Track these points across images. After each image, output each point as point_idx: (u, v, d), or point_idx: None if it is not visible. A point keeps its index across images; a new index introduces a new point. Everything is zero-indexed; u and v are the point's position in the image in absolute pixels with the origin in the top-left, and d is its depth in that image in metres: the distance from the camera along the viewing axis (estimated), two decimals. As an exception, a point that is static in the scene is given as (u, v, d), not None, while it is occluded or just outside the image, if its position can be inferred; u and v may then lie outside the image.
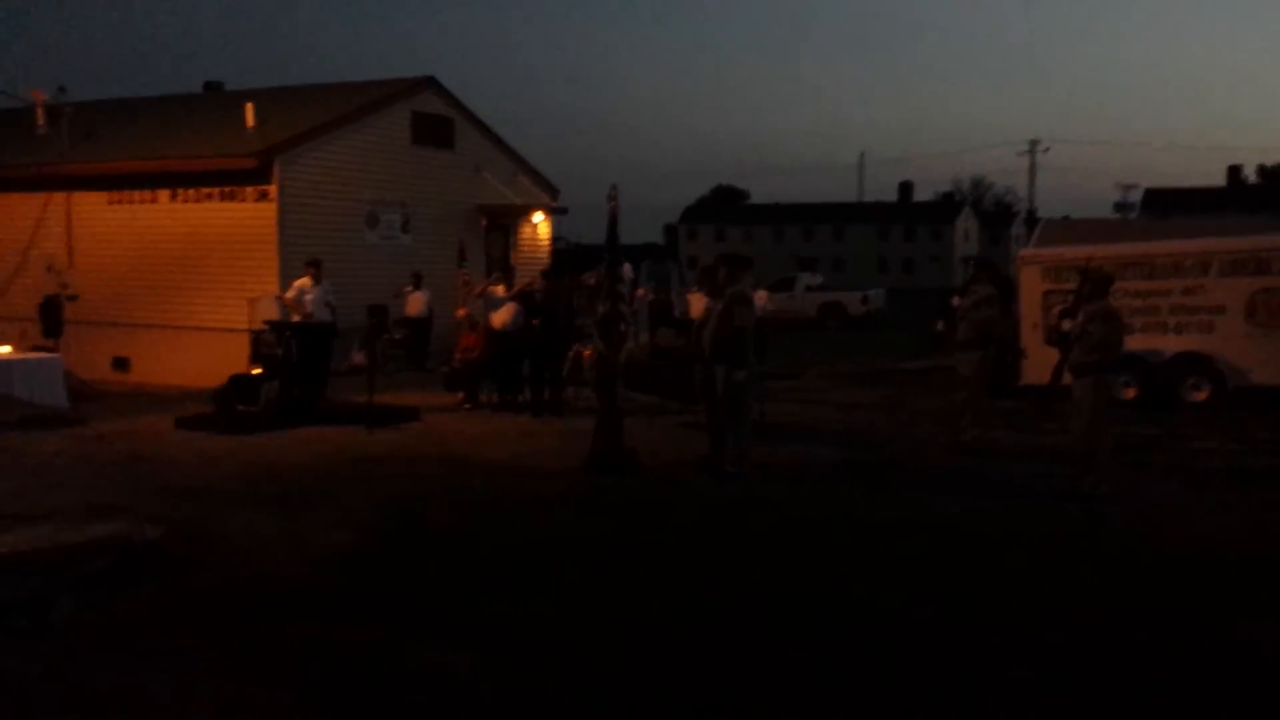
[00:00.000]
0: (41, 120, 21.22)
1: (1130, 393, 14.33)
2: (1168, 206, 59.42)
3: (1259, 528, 8.17)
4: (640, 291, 17.21)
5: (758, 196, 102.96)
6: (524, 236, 23.67)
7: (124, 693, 5.07)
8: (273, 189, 18.09)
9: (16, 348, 14.92)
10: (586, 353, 14.12)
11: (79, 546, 7.26)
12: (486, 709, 4.83)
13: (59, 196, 19.95)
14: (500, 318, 14.46)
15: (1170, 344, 14.74)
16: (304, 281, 13.92)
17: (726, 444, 9.97)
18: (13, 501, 8.53)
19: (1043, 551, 7.48)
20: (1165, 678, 5.19)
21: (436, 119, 21.61)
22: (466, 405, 14.45)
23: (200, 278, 18.50)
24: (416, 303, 19.24)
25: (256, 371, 13.57)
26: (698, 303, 19.32)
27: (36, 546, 7.12)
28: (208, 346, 17.76)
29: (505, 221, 23.14)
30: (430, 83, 21.75)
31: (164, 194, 19.11)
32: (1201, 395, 14.54)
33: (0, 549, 6.92)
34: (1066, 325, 9.56)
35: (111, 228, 19.59)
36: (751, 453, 10.01)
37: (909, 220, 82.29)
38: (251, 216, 18.28)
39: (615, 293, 10.80)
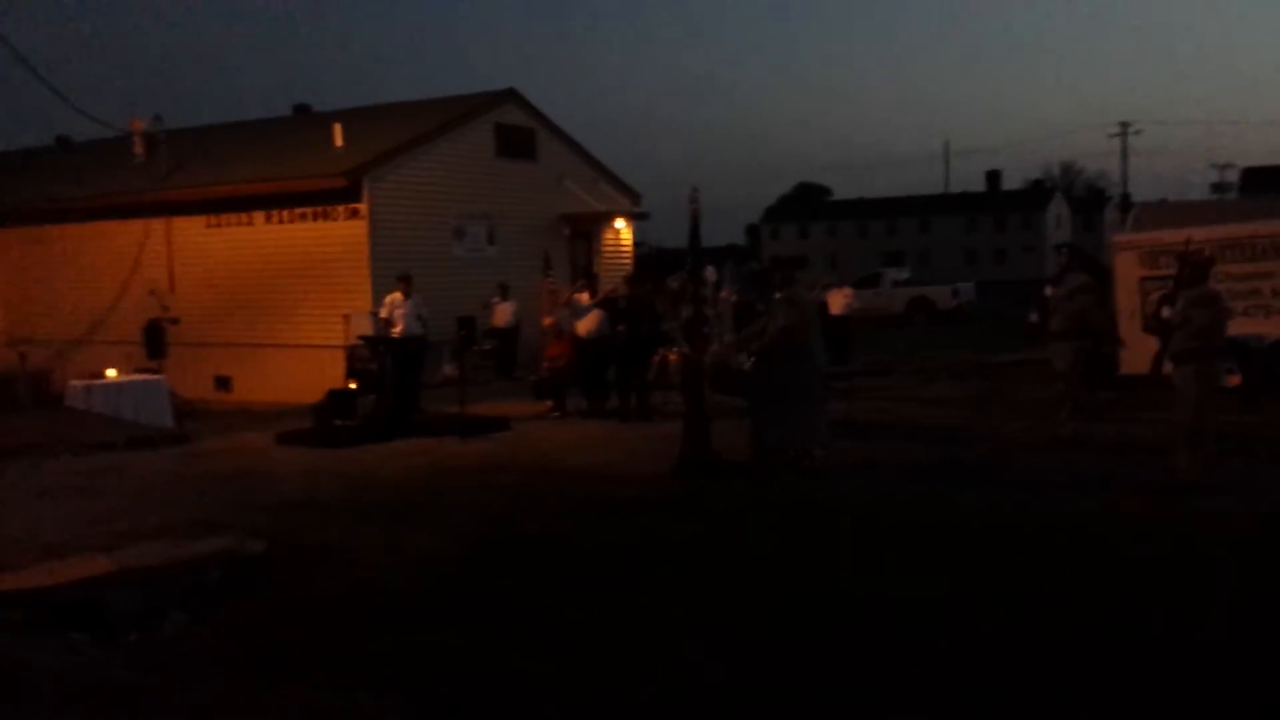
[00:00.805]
0: (140, 148, 22.08)
1: (1234, 380, 13.88)
2: (1265, 185, 57.35)
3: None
4: (724, 293, 17.19)
5: (841, 192, 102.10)
6: (607, 243, 23.81)
7: (234, 699, 5.23)
8: (363, 206, 18.50)
9: (122, 370, 15.48)
10: (672, 357, 14.16)
11: (188, 561, 7.52)
12: (579, 711, 4.88)
13: (158, 222, 20.66)
14: (585, 325, 14.58)
15: (1275, 328, 14.25)
16: (395, 296, 14.20)
17: (771, 442, 10.04)
18: (123, 519, 8.86)
19: (1140, 547, 7.28)
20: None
21: (518, 130, 21.88)
22: (555, 413, 14.59)
23: (296, 296, 18.98)
24: (504, 313, 19.49)
25: (352, 386, 13.89)
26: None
27: (147, 562, 7.39)
28: (305, 363, 18.22)
29: (588, 229, 23.32)
30: (511, 95, 22.04)
31: (259, 216, 19.66)
32: (1308, 380, 14.03)
33: (112, 565, 7.19)
34: (1166, 312, 9.30)
35: (209, 251, 20.21)
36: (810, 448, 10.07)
37: (998, 210, 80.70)
38: (343, 234, 18.71)
39: (698, 296, 10.85)
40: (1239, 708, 4.74)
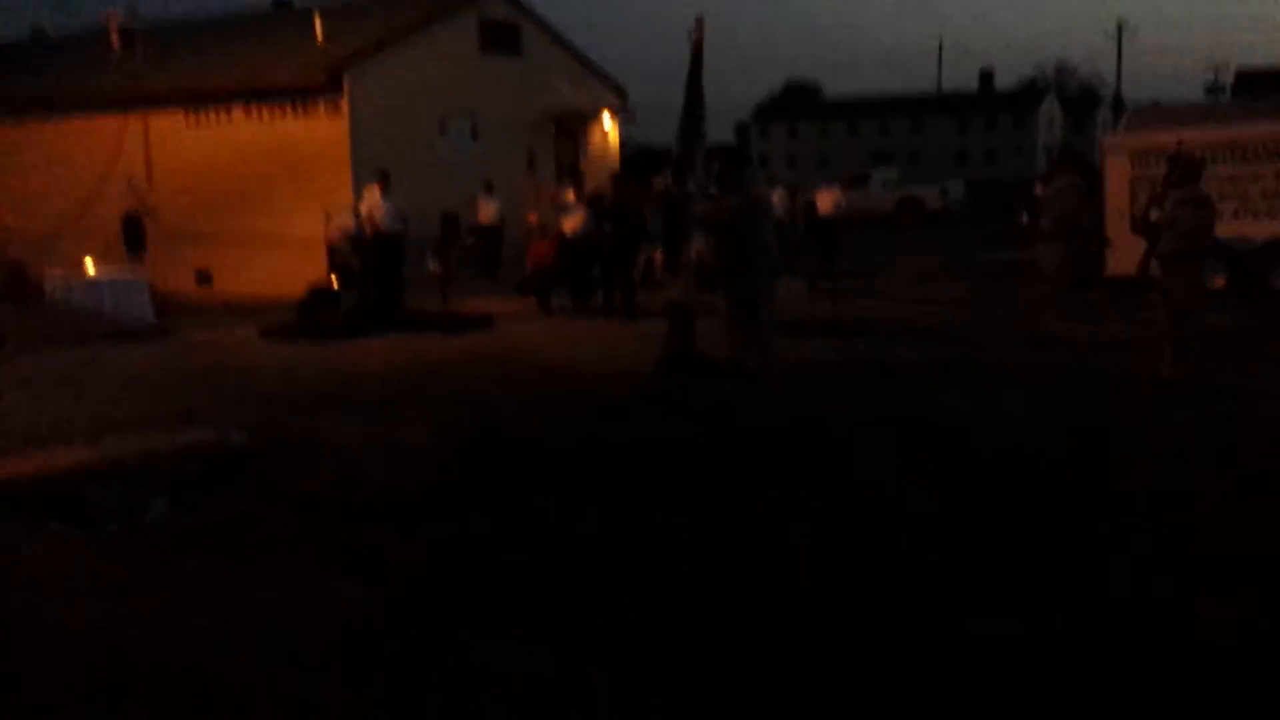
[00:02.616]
0: (116, 42, 21.53)
1: (1219, 281, 13.87)
2: (1260, 88, 56.70)
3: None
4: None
5: (831, 91, 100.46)
6: (593, 141, 23.47)
7: (213, 580, 5.26)
8: (344, 102, 18.17)
9: (100, 264, 15.32)
10: (657, 256, 14.06)
11: (169, 453, 7.49)
12: (567, 608, 4.92)
13: (136, 118, 20.27)
14: (571, 223, 14.44)
15: (1261, 230, 14.22)
16: (374, 194, 13.99)
17: (740, 341, 9.92)
18: (105, 411, 8.81)
19: (1126, 446, 7.34)
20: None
21: (503, 25, 21.36)
22: (540, 311, 14.53)
23: (277, 192, 18.73)
24: (488, 210, 19.27)
25: (334, 282, 13.79)
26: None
27: (128, 453, 7.36)
28: (287, 259, 18.04)
29: (574, 126, 22.95)
30: (495, -13, 21.48)
31: (238, 111, 19.30)
32: (1293, 283, 14.05)
33: (93, 457, 7.17)
34: (1154, 214, 9.24)
35: (188, 147, 19.87)
36: (773, 350, 9.93)
37: (990, 110, 79.69)
38: (324, 130, 18.41)
39: (683, 185, 10.07)
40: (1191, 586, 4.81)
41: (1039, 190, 12.12)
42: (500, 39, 21.26)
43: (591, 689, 4.07)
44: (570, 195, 15.68)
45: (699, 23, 9.94)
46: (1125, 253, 12.98)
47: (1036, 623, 4.53)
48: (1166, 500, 6.07)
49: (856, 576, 5.16)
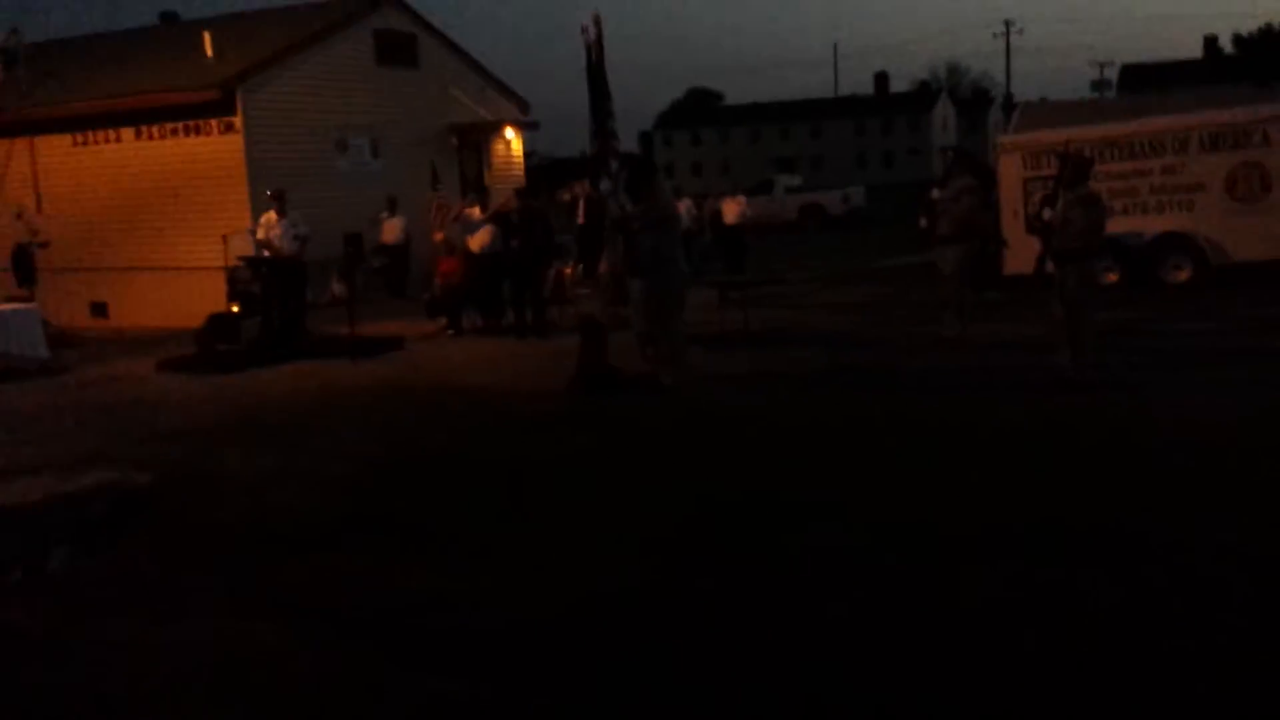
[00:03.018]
0: (-2, 64, 20.77)
1: (1112, 277, 14.31)
2: (1145, 82, 58.83)
3: (1245, 406, 8.21)
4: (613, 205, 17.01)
5: (733, 97, 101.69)
6: (497, 154, 23.34)
7: (127, 637, 5.09)
8: (237, 120, 17.77)
9: (-11, 298, 14.76)
10: (567, 271, 14.04)
11: (70, 496, 7.28)
12: (486, 631, 4.87)
13: (21, 142, 19.58)
14: (478, 240, 14.33)
15: (1151, 225, 14.71)
16: (269, 216, 13.63)
17: (652, 354, 9.96)
18: None
19: (1036, 442, 7.52)
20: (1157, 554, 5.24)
21: (399, 36, 21.12)
22: (450, 331, 14.39)
23: (172, 216, 18.26)
24: (392, 229, 19.01)
25: (235, 309, 13.47)
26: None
27: (28, 499, 7.13)
28: (185, 286, 17.61)
29: (476, 139, 22.79)
30: (390, -1, 21.23)
31: (128, 133, 18.76)
32: (1183, 275, 14.57)
33: (-9, 504, 6.91)
34: (1047, 214, 9.50)
35: (78, 171, 19.27)
36: (685, 362, 9.97)
37: (886, 112, 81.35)
38: (218, 150, 17.98)
39: (597, 188, 10.04)
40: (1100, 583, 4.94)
41: (935, 194, 12.35)
42: (397, 51, 21.01)
43: (528, 715, 4.03)
44: (476, 211, 15.55)
45: (595, 20, 9.88)
46: (1022, 252, 13.35)
47: (946, 597, 4.61)
48: (1059, 486, 6.24)
49: (769, 578, 5.20)
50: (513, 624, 4.91)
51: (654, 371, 9.96)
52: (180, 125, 18.24)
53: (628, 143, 12.34)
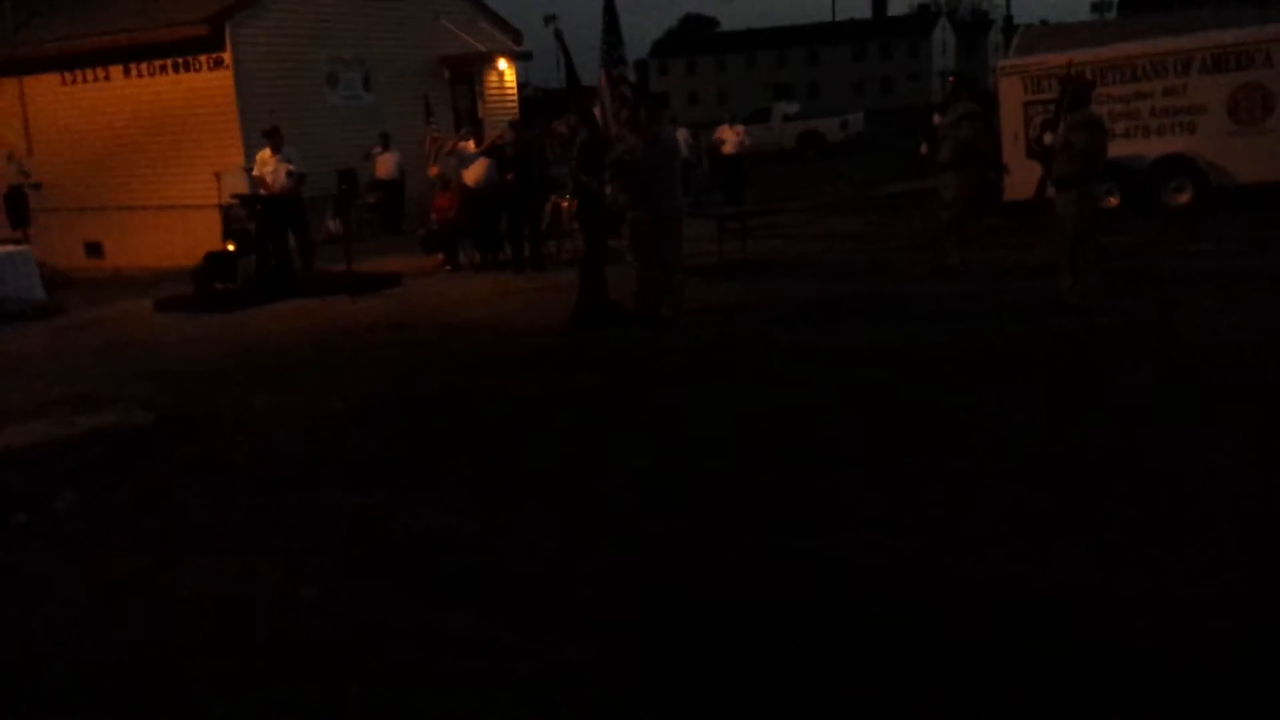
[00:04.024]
0: (-18, 5, 20.38)
1: (1112, 201, 14.21)
2: (1145, 4, 57.88)
3: (1242, 330, 8.19)
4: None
5: (728, 23, 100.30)
6: (490, 86, 23.00)
7: (133, 575, 5.14)
8: (227, 55, 17.46)
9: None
10: (564, 204, 13.93)
11: (73, 438, 7.27)
12: (491, 566, 4.90)
13: (9, 83, 19.29)
14: (473, 174, 14.19)
15: (1152, 148, 14.56)
16: (264, 153, 13.48)
17: (652, 287, 9.89)
18: None
19: (1033, 368, 7.52)
20: (1154, 485, 5.27)
21: (388, -34, 20.69)
22: (447, 267, 14.32)
23: (165, 155, 18.05)
24: (386, 164, 18.82)
25: (231, 248, 13.38)
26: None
27: (30, 442, 7.12)
28: (180, 225, 17.48)
29: (469, 71, 22.45)
30: (377, -76, 20.74)
31: (116, 71, 18.46)
32: (1184, 198, 14.46)
33: (-9, 447, 6.92)
34: (1048, 138, 9.39)
35: (68, 111, 19.00)
36: (682, 294, 9.92)
37: (884, 36, 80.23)
38: (208, 86, 17.70)
39: (590, 120, 10.20)
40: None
41: (936, 120, 12.20)
42: (386, -21, 20.58)
43: (558, 655, 4.06)
44: (470, 145, 15.38)
45: (555, 24, 10.17)
46: (1022, 177, 13.21)
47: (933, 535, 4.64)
48: (1056, 411, 6.25)
49: (770, 506, 5.23)
50: (521, 561, 4.94)
51: (653, 305, 9.92)
52: (169, 62, 17.94)
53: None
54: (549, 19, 13.55)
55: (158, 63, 18.04)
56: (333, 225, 15.78)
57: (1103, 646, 3.80)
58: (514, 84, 23.75)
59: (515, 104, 23.42)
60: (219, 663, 4.20)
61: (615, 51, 10.24)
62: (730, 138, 19.06)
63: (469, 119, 20.43)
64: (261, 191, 13.30)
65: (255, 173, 13.42)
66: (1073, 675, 3.64)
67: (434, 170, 16.49)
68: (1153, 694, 3.51)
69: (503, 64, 23.12)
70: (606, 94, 10.13)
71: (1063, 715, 3.45)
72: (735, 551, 4.89)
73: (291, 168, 13.07)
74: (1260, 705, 3.45)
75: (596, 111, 10.25)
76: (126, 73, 18.39)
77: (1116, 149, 12.43)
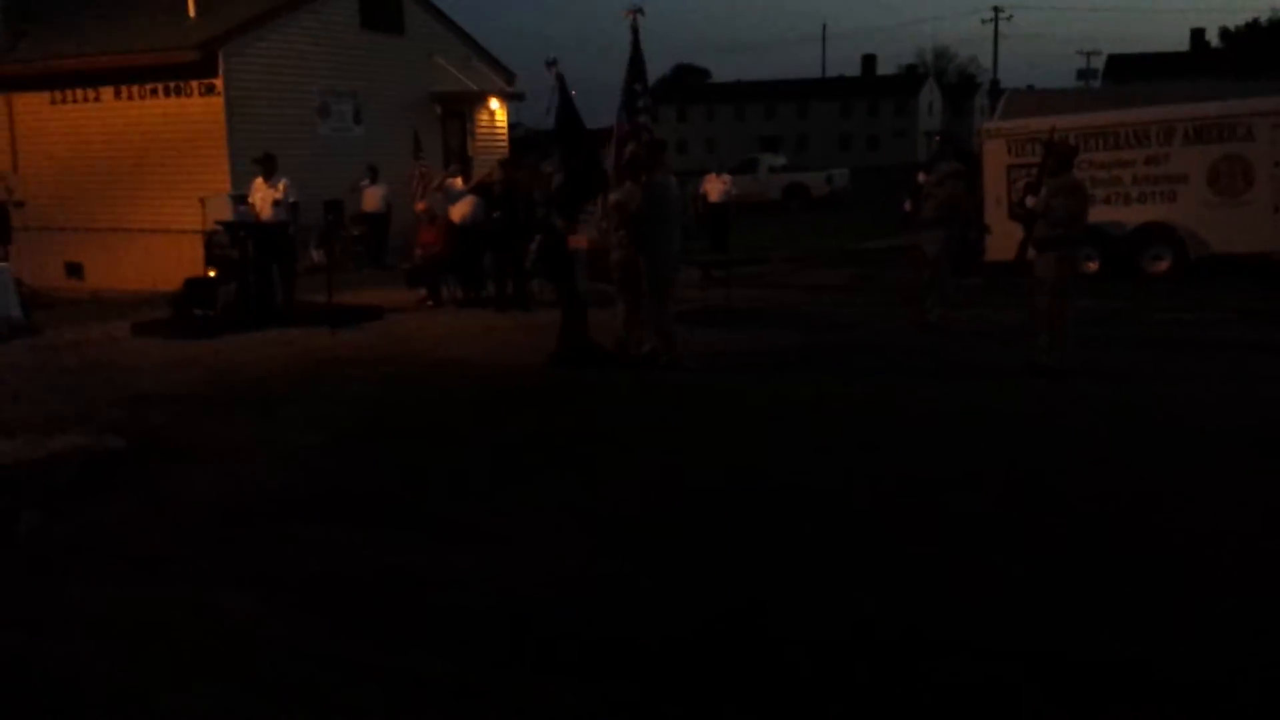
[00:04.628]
0: (-27, 20, 20.37)
1: (1092, 265, 14.36)
2: (1130, 73, 58.94)
3: (1221, 396, 8.27)
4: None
5: (719, 75, 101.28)
6: (481, 124, 23.15)
7: (92, 596, 5.05)
8: (219, 82, 17.52)
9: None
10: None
11: (42, 459, 7.19)
12: (460, 607, 4.84)
13: (-1, 99, 19.28)
14: (460, 211, 14.22)
15: (1133, 215, 14.76)
16: (258, 180, 13.47)
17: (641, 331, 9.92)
18: (-30, 416, 8.39)
19: (1008, 427, 7.55)
20: (1127, 551, 5.27)
21: (384, 0, 20.86)
22: (429, 302, 14.30)
23: (150, 178, 18.02)
24: (373, 197, 18.85)
25: (212, 274, 13.32)
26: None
27: (-3, 461, 7.03)
28: (162, 249, 17.41)
29: (461, 109, 22.59)
30: (375, -38, 20.92)
31: (107, 92, 18.48)
32: (1163, 266, 14.64)
33: (-42, 466, 6.82)
34: (1030, 200, 9.49)
35: (56, 129, 18.97)
36: (675, 339, 9.92)
37: (872, 95, 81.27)
38: (198, 112, 17.74)
39: (570, 166, 10.41)
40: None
41: (921, 178, 12.33)
42: (382, 15, 20.72)
43: (512, 694, 4.01)
44: (458, 181, 15.41)
45: (553, 63, 10.38)
46: (1003, 239, 13.36)
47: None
48: (1030, 465, 6.27)
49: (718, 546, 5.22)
50: (494, 604, 4.87)
51: (633, 349, 9.93)
52: (161, 86, 17.98)
53: (610, 118, 12.37)
54: (550, 62, 13.85)
55: (149, 85, 18.08)
56: (316, 256, 15.75)
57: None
58: (505, 123, 23.91)
59: (505, 143, 23.56)
60: (180, 695, 4.12)
61: (640, 100, 10.47)
62: (717, 187, 19.18)
63: (458, 155, 20.51)
64: (251, 219, 13.26)
65: (250, 199, 13.38)
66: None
67: (421, 205, 16.53)
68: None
69: (494, 103, 23.29)
70: (619, 139, 10.34)
71: None
72: (689, 596, 4.85)
73: (280, 197, 13.05)
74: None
75: (607, 152, 10.42)
76: (117, 94, 18.40)
77: (1098, 214, 12.59)
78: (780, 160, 40.91)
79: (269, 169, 13.26)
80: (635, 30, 10.45)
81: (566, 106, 10.50)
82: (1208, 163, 14.37)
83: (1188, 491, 6.08)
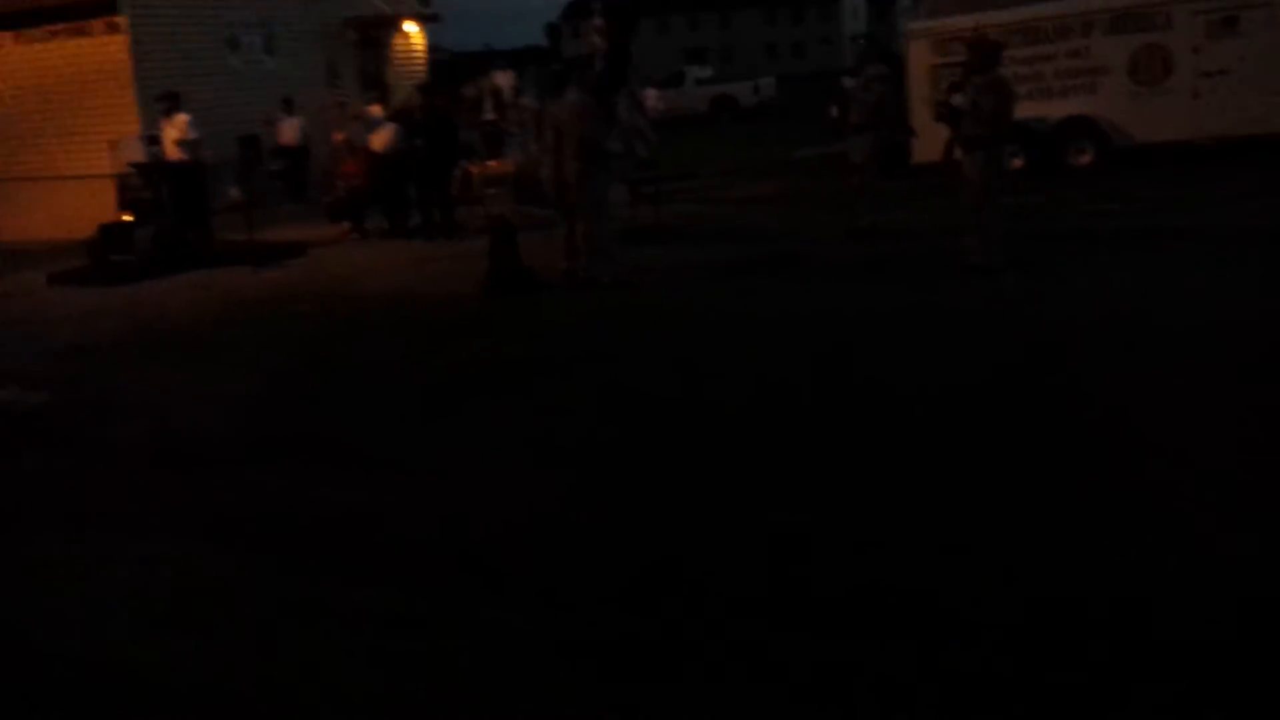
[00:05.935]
0: None
1: (1018, 163, 14.39)
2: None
3: (1143, 288, 8.38)
4: (524, 100, 16.63)
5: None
6: (398, 50, 22.53)
7: (35, 560, 4.94)
8: (121, 19, 16.83)
9: None
10: (474, 170, 13.72)
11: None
12: (408, 541, 4.80)
13: (-110, 48, 18.36)
14: (380, 140, 13.87)
15: (1055, 109, 14.79)
16: (164, 121, 13.04)
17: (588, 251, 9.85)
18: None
19: (940, 326, 7.61)
20: (1047, 442, 5.36)
21: (292, -77, 20.06)
22: (354, 235, 14.02)
23: (57, 124, 17.33)
24: (290, 130, 18.30)
25: (127, 218, 12.92)
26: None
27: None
28: (73, 196, 16.80)
29: (376, 34, 21.94)
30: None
31: (6, 37, 17.71)
32: (1086, 159, 14.73)
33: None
34: (956, 100, 9.46)
35: (-47, 77, 18.16)
36: (617, 257, 9.86)
37: (796, 1, 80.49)
38: (102, 52, 17.04)
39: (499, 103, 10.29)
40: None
41: (847, 84, 12.24)
42: (291, -61, 19.96)
43: (472, 625, 3.98)
44: (378, 109, 15.03)
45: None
46: (930, 140, 13.32)
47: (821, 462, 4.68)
48: (963, 366, 6.34)
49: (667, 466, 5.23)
50: (443, 537, 4.83)
51: (578, 269, 9.84)
52: (62, 27, 17.26)
53: (535, 36, 12.25)
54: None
55: (49, 28, 17.34)
56: (234, 193, 15.31)
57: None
58: (423, 47, 23.30)
59: (424, 68, 23.00)
60: (141, 646, 4.05)
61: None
62: (645, 102, 18.94)
63: (376, 83, 19.97)
64: (169, 157, 12.86)
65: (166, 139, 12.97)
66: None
67: (339, 136, 16.10)
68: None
69: (411, 27, 22.66)
70: None
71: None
72: (624, 516, 4.86)
73: (180, 135, 12.66)
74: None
75: None
76: (17, 38, 17.65)
77: (1021, 110, 12.56)
78: (707, 72, 40.52)
79: (170, 107, 12.85)
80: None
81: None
82: (1128, 53, 14.41)
83: (1133, 376, 6.18)
